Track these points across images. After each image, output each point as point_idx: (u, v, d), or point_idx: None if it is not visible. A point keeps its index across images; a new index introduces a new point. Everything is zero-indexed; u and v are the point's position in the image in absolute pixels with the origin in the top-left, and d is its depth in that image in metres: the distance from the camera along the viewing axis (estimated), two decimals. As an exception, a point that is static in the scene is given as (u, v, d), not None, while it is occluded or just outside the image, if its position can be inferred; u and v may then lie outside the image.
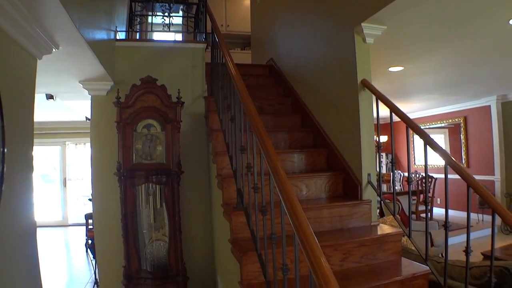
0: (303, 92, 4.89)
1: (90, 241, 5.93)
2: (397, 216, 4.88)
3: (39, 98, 5.58)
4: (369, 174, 3.60)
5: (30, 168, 2.94)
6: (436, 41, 4.46)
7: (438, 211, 9.96)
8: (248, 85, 5.25)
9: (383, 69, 5.59)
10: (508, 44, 4.70)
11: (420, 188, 9.46)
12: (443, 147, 10.93)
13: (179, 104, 4.30)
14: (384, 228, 3.41)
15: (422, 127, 10.76)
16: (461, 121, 10.18)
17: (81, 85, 4.58)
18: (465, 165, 10.10)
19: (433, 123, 11.11)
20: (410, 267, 3.03)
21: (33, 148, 3.00)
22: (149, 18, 5.69)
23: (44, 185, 10.92)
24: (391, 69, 5.62)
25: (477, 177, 8.63)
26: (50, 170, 11.11)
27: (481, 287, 2.74)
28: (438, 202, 10.45)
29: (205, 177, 4.83)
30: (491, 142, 9.29)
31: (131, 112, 4.20)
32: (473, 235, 7.77)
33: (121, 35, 5.20)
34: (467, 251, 2.65)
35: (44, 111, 7.54)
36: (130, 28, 5.55)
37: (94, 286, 5.26)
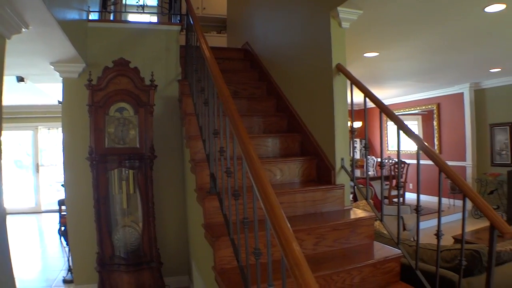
0: (278, 76, 4.86)
1: (63, 228, 5.84)
2: (370, 200, 4.94)
3: (9, 81, 5.45)
4: (342, 159, 3.61)
5: (-2, 154, 2.86)
6: (412, 27, 4.48)
7: (410, 196, 10.14)
8: (223, 68, 5.19)
9: (358, 54, 5.60)
10: (482, 31, 4.75)
11: (393, 173, 9.57)
12: (417, 133, 11.10)
13: (153, 87, 4.25)
14: (357, 212, 3.43)
15: (396, 113, 10.84)
16: (435, 108, 10.34)
17: (53, 67, 4.47)
18: (437, 151, 10.26)
19: (408, 110, 11.25)
20: (383, 251, 3.06)
21: (1, 133, 2.92)
22: (124, -1, 5.59)
23: (17, 171, 10.67)
24: (367, 54, 5.64)
25: (449, 162, 8.75)
26: (23, 156, 10.85)
27: (452, 270, 2.77)
28: (411, 187, 10.63)
29: (179, 161, 4.80)
30: (463, 129, 9.48)
31: (103, 95, 4.12)
32: (444, 219, 7.97)
33: (94, 16, 5.08)
34: (438, 234, 2.68)
35: (15, 94, 7.36)
36: (103, 9, 5.43)
37: (68, 273, 5.19)
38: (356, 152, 12.18)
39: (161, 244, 4.45)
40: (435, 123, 10.37)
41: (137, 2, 5.08)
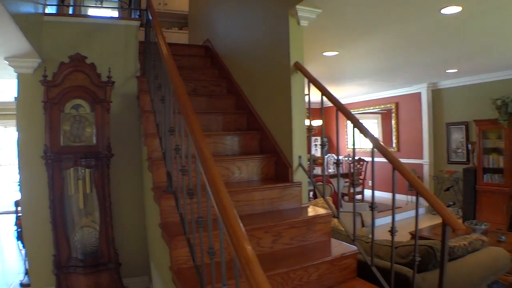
0: (238, 73, 4.84)
1: (19, 230, 5.66)
2: (328, 198, 4.98)
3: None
4: (300, 157, 3.62)
5: None
6: (370, 27, 4.54)
7: (369, 193, 10.29)
8: (183, 65, 5.18)
9: (318, 53, 5.64)
10: (439, 33, 4.86)
11: (352, 170, 9.70)
12: (377, 132, 11.29)
13: (110, 84, 4.16)
14: (314, 210, 3.45)
15: (357, 112, 11.10)
16: (393, 107, 10.56)
17: (7, 62, 4.31)
18: (395, 149, 10.48)
19: (368, 108, 11.45)
20: (339, 248, 3.09)
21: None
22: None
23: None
24: (326, 53, 5.68)
25: (407, 160, 9.01)
26: (-20, 155, 10.51)
27: (407, 266, 2.82)
28: (370, 184, 10.80)
29: (137, 160, 4.72)
30: (420, 128, 9.73)
31: (59, 91, 4.01)
32: (402, 215, 8.12)
33: (52, 10, 4.93)
34: (392, 231, 2.72)
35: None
36: (61, 2, 5.27)
37: (25, 277, 5.03)
38: (317, 150, 12.29)
39: (120, 245, 4.37)
40: (393, 121, 10.61)
41: (95, -4, 4.94)
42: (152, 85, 3.82)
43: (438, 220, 6.92)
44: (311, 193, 7.08)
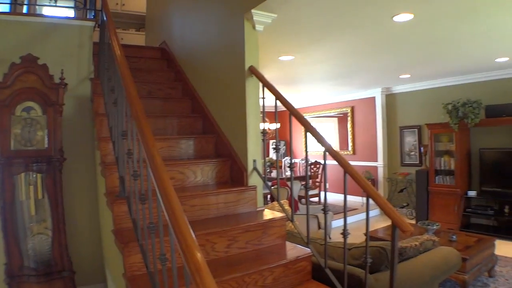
0: (194, 77, 4.81)
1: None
2: (285, 201, 5.02)
3: None
4: (254, 161, 3.63)
5: None
6: (325, 33, 4.62)
7: (327, 195, 10.43)
8: (139, 68, 5.11)
9: (274, 57, 5.69)
10: (391, 39, 4.99)
11: (309, 173, 9.80)
12: (334, 135, 11.42)
13: (62, 86, 4.05)
14: (269, 214, 3.46)
15: (314, 116, 11.18)
16: (349, 110, 10.74)
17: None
18: (351, 152, 10.67)
19: (325, 112, 11.61)
20: (294, 250, 3.10)
21: None
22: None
23: None
24: (282, 57, 5.73)
25: (362, 163, 9.16)
26: None
27: (360, 267, 2.87)
28: (327, 186, 10.94)
29: (91, 164, 4.60)
30: (375, 131, 9.97)
31: (9, 93, 3.88)
32: (358, 217, 8.24)
33: (5, 8, 4.76)
34: (344, 233, 2.77)
35: None
36: (14, 1, 5.10)
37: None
38: (275, 153, 12.35)
39: (74, 252, 4.25)
40: (349, 125, 10.80)
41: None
42: (105, 87, 3.74)
43: (392, 221, 7.08)
44: (269, 196, 7.12)
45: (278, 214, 3.37)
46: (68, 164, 4.17)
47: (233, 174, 3.82)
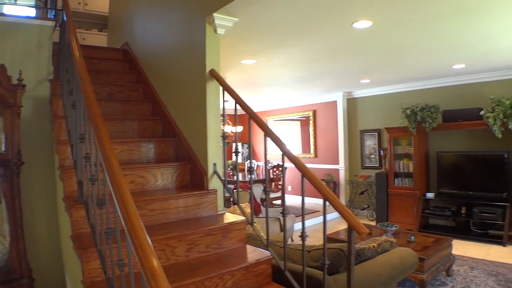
0: (155, 79, 4.77)
1: None
2: (248, 204, 5.03)
3: None
4: (215, 164, 3.63)
5: None
6: (286, 37, 4.65)
7: (290, 198, 10.53)
8: (100, 69, 5.03)
9: (236, 61, 5.70)
10: (352, 45, 5.09)
11: (272, 176, 9.85)
12: (297, 138, 11.49)
13: (20, 87, 3.93)
14: (230, 217, 3.45)
15: (278, 119, 11.21)
16: (311, 114, 10.87)
17: None
18: (313, 155, 10.78)
19: (288, 115, 11.70)
20: (254, 253, 3.11)
21: None
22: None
23: None
24: (244, 61, 5.75)
25: (324, 166, 9.27)
26: None
27: (320, 269, 2.90)
28: (289, 189, 11.07)
29: (50, 168, 4.48)
30: (336, 135, 10.14)
31: (-35, 95, 3.75)
32: (320, 219, 8.32)
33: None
34: (302, 236, 2.80)
35: None
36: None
37: None
38: (238, 156, 12.35)
39: (33, 259, 4.12)
40: (311, 128, 10.92)
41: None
42: (64, 89, 3.66)
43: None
44: (232, 199, 7.11)
45: (239, 218, 3.38)
46: (26, 168, 4.05)
47: (194, 177, 3.80)
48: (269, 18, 3.94)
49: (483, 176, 7.24)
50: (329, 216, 7.89)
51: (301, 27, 4.28)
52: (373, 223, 8.28)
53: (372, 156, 9.45)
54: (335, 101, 10.10)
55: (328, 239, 5.48)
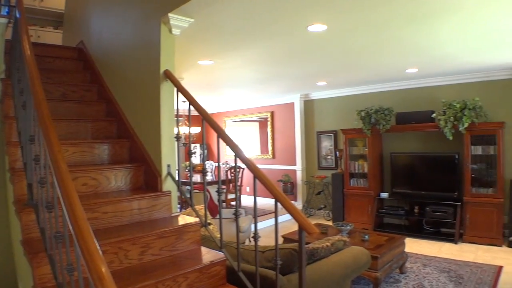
0: (110, 79, 4.68)
1: None
2: (198, 206, 5.02)
3: None
4: (168, 165, 3.60)
5: None
6: (242, 39, 4.68)
7: (247, 199, 10.56)
8: (54, 68, 4.91)
9: (193, 61, 5.67)
10: (307, 48, 5.15)
11: (229, 177, 9.85)
12: (256, 139, 11.51)
13: (-32, 86, 3.81)
14: (184, 219, 3.44)
15: (237, 119, 11.20)
16: (269, 115, 10.94)
17: None
18: (271, 156, 10.85)
19: (246, 116, 11.72)
20: (209, 255, 3.10)
21: None
22: None
23: None
24: (201, 62, 5.73)
25: (281, 167, 9.34)
26: None
27: (273, 269, 2.92)
28: (247, 190, 11.10)
29: (0, 171, 4.35)
30: (293, 136, 10.24)
31: None
32: (279, 219, 8.39)
33: None
34: (255, 236, 2.82)
35: None
36: None
37: None
38: (196, 157, 12.29)
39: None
40: (269, 129, 10.99)
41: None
42: (16, 89, 3.56)
43: (311, 222, 7.28)
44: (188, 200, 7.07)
45: (193, 219, 3.36)
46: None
47: (148, 179, 3.76)
48: (225, 20, 3.96)
49: (435, 176, 7.49)
50: (286, 217, 7.99)
51: (257, 29, 4.31)
52: (330, 223, 8.41)
53: (329, 157, 9.61)
54: (293, 103, 10.21)
55: (285, 239, 5.55)
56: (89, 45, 5.48)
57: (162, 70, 3.59)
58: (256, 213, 2.85)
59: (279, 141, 10.78)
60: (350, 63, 6.17)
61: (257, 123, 11.45)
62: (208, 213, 4.81)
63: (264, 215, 8.60)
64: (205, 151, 3.29)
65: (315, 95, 9.77)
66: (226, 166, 10.46)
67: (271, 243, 5.06)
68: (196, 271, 2.87)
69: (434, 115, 7.15)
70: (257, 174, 2.76)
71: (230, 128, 12.28)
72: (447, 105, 6.89)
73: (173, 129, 3.65)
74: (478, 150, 6.83)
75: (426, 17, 4.01)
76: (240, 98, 10.66)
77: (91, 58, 5.30)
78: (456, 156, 7.13)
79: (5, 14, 4.69)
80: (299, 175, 10.10)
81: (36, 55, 4.57)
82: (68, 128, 3.98)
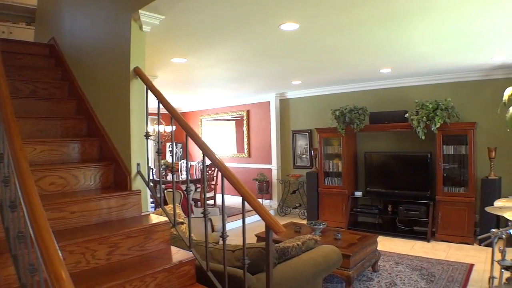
0: (81, 76, 4.58)
1: None
2: (178, 204, 4.99)
3: None
4: (138, 164, 3.55)
5: None
6: (214, 38, 4.64)
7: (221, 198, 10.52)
8: (25, 65, 4.79)
9: (166, 59, 5.61)
10: (280, 47, 5.14)
11: (197, 177, 9.79)
12: (233, 138, 11.48)
13: None
14: (154, 218, 3.40)
15: (212, 118, 11.14)
16: (245, 114, 10.93)
17: None
18: (247, 155, 10.85)
19: (222, 115, 11.67)
20: (178, 255, 3.08)
21: None
22: None
23: None
24: (174, 60, 5.67)
25: (257, 165, 9.34)
26: None
27: (242, 268, 2.92)
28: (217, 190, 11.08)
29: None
30: (269, 135, 10.24)
31: None
32: (252, 218, 8.37)
33: None
34: (223, 235, 2.81)
35: None
36: None
37: None
38: (170, 156, 12.19)
39: None
40: (245, 128, 10.98)
41: None
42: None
43: (285, 221, 7.32)
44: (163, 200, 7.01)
45: (163, 219, 3.32)
46: None
47: (117, 178, 3.70)
48: (197, 17, 3.92)
49: (408, 175, 7.59)
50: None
51: (228, 27, 4.28)
52: (305, 222, 8.44)
53: (304, 156, 9.65)
54: (269, 102, 10.22)
55: (258, 238, 5.57)
56: (61, 41, 5.38)
57: (132, 67, 3.54)
58: (224, 212, 2.84)
59: (255, 140, 10.78)
60: (323, 62, 6.19)
61: (234, 122, 11.42)
62: (181, 212, 4.80)
63: (239, 214, 8.58)
64: (173, 149, 3.25)
65: (291, 94, 9.80)
66: (200, 165, 10.42)
67: (246, 241, 5.06)
68: (165, 271, 2.84)
69: (407, 115, 7.24)
70: (225, 173, 2.75)
71: (206, 126, 12.23)
72: (419, 105, 6.99)
73: (143, 127, 3.60)
74: (450, 149, 6.95)
75: (399, 19, 4.05)
76: (216, 97, 10.62)
77: (62, 55, 5.20)
78: (429, 156, 7.24)
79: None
80: (274, 174, 10.12)
81: (6, 51, 4.50)
82: (37, 126, 3.89)
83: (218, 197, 10.35)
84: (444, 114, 6.70)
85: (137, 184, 3.53)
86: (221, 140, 11.81)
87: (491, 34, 4.60)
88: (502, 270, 3.49)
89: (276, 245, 3.44)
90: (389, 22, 4.17)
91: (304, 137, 9.60)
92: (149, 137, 3.55)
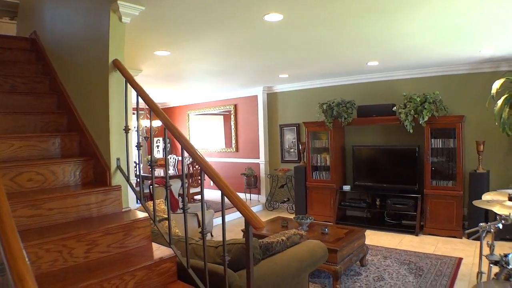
0: (62, 70, 4.48)
1: None
2: (162, 200, 4.93)
3: None
4: (118, 159, 3.47)
5: None
6: (198, 30, 4.55)
7: (210, 193, 10.47)
8: (5, 59, 4.70)
9: (150, 52, 5.51)
10: (265, 39, 5.06)
11: (191, 171, 9.73)
12: (221, 133, 11.44)
13: None
14: (133, 214, 3.33)
15: (200, 113, 11.08)
16: (232, 108, 10.85)
17: None
18: (234, 150, 10.80)
19: (210, 109, 11.59)
20: (159, 251, 3.02)
21: None
22: None
23: None
24: (158, 53, 5.57)
25: (245, 160, 9.33)
26: None
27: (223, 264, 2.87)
28: (211, 184, 10.98)
29: None
30: (257, 129, 10.20)
31: None
32: (239, 213, 8.40)
33: None
34: (202, 232, 2.75)
35: None
36: None
37: None
38: (159, 151, 12.11)
39: None
40: (232, 123, 10.92)
41: None
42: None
43: (274, 215, 7.28)
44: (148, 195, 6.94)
45: (143, 214, 3.26)
46: None
47: (97, 174, 3.62)
48: (178, 7, 3.81)
49: (396, 169, 7.59)
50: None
51: (211, 19, 4.19)
52: (293, 216, 8.42)
53: (292, 150, 9.62)
54: (256, 96, 10.16)
55: (245, 233, 5.50)
56: (42, 35, 5.27)
57: (111, 59, 3.46)
58: (203, 207, 2.79)
59: (243, 134, 10.73)
60: (309, 55, 6.13)
61: (221, 117, 11.34)
62: (167, 207, 4.73)
63: (228, 209, 8.51)
64: (152, 143, 3.17)
65: (278, 87, 9.75)
66: (188, 160, 10.37)
67: (233, 237, 5.03)
68: (145, 268, 2.78)
69: (395, 108, 7.22)
70: (204, 167, 2.71)
71: (194, 121, 12.14)
72: (407, 99, 6.97)
73: (122, 121, 3.52)
74: (438, 143, 6.94)
75: (386, 11, 4.00)
76: (203, 91, 10.54)
77: (43, 48, 5.10)
78: (417, 149, 7.24)
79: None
80: (262, 168, 10.09)
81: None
82: (16, 121, 3.81)
83: (206, 192, 10.33)
84: (432, 107, 6.68)
85: (117, 179, 3.46)
86: (209, 135, 11.72)
87: (481, 26, 4.57)
88: (491, 265, 3.44)
89: (260, 240, 3.39)
90: (376, 14, 4.11)
91: (292, 131, 9.56)
92: (128, 131, 3.47)
